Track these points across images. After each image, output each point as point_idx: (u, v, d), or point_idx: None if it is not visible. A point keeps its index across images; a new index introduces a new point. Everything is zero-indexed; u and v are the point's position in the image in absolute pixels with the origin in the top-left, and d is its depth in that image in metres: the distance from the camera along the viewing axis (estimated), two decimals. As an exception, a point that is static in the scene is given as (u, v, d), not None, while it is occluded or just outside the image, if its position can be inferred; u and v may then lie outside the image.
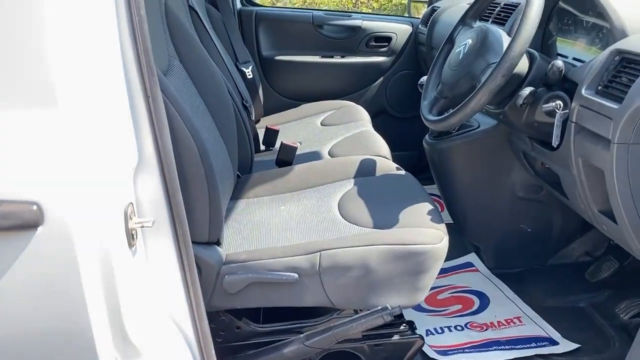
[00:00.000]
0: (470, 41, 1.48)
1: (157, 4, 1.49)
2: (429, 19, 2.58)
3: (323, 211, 1.46)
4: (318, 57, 2.71)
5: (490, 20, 1.82)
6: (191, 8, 1.96)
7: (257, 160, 1.93)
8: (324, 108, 2.42)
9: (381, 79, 2.73)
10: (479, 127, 1.84)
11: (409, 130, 2.63)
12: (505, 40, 1.40)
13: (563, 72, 1.36)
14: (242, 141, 1.75)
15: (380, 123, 2.44)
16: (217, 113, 1.56)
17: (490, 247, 1.99)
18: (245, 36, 2.64)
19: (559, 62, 1.35)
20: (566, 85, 1.38)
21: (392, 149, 1.98)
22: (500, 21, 1.79)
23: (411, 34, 2.69)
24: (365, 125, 2.18)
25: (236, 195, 1.62)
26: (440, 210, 1.50)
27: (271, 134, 2.12)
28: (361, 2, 6.09)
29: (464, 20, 1.65)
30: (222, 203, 1.31)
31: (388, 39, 2.69)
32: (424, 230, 1.31)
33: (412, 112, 2.74)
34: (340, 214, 1.44)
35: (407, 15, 2.98)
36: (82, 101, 0.81)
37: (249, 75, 2.32)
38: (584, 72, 1.31)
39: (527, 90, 1.34)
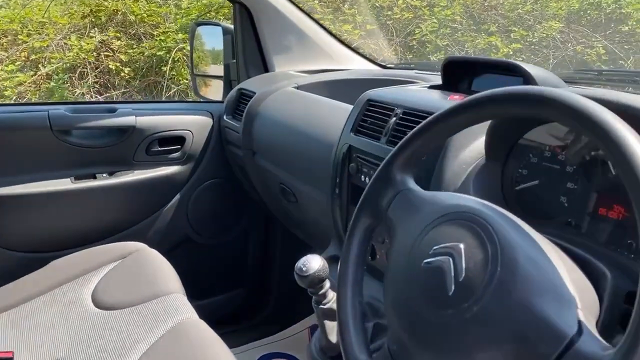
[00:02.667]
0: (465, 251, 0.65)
1: None
2: (237, 106, 1.77)
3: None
4: (69, 180, 1.68)
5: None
6: None
7: None
8: (87, 266, 1.41)
9: (177, 197, 1.82)
10: None
11: (223, 259, 1.88)
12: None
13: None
14: None
15: (183, 258, 1.68)
16: None
17: None
18: None
19: None
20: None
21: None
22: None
23: (212, 127, 1.84)
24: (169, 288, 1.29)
25: None
26: None
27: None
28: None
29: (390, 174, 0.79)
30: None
31: (179, 140, 1.79)
32: None
33: (226, 236, 1.89)
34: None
35: (202, 99, 2.11)
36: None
37: None
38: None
39: None
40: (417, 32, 5.59)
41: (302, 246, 1.77)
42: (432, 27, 5.55)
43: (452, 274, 0.61)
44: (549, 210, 0.85)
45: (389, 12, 5.83)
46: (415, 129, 0.76)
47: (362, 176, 1.13)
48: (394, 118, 1.08)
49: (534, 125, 0.85)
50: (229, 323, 1.94)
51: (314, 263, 0.92)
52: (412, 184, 0.76)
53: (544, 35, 5.53)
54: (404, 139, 0.77)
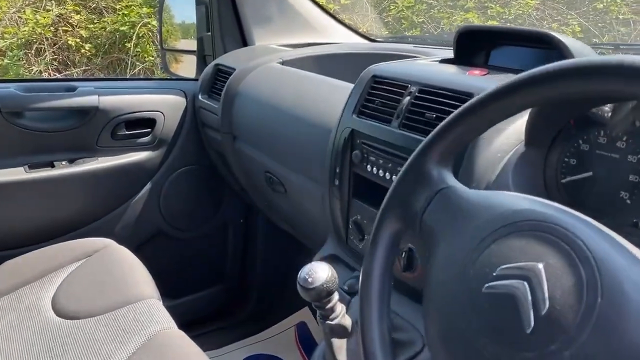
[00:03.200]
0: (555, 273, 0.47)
1: None
2: (214, 84, 1.58)
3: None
4: (22, 169, 1.47)
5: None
6: None
7: None
8: (46, 266, 1.24)
9: (148, 186, 1.63)
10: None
11: (201, 254, 1.72)
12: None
13: None
14: None
15: (156, 254, 1.59)
16: None
17: None
18: None
19: None
20: None
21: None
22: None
23: (186, 108, 1.65)
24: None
25: None
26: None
27: None
28: None
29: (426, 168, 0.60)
30: None
31: (149, 122, 1.60)
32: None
33: (203, 228, 1.72)
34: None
35: (173, 77, 1.90)
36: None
37: None
38: None
39: None
40: (392, 8, 5.44)
41: (288, 238, 1.61)
42: (408, 3, 5.41)
43: (531, 304, 0.46)
44: (605, 208, 0.71)
45: (364, -13, 5.65)
46: (457, 111, 0.60)
47: (369, 165, 0.97)
48: (408, 97, 0.92)
49: (593, 105, 0.70)
50: (208, 323, 1.78)
51: (321, 272, 0.76)
52: (453, 181, 0.61)
53: (520, 12, 5.45)
54: (443, 123, 0.61)
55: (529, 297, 0.46)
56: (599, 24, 5.22)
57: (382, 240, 0.63)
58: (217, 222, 1.78)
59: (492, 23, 5.25)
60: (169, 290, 1.68)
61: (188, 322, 1.73)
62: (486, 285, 0.49)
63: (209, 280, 1.81)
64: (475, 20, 5.30)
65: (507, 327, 0.47)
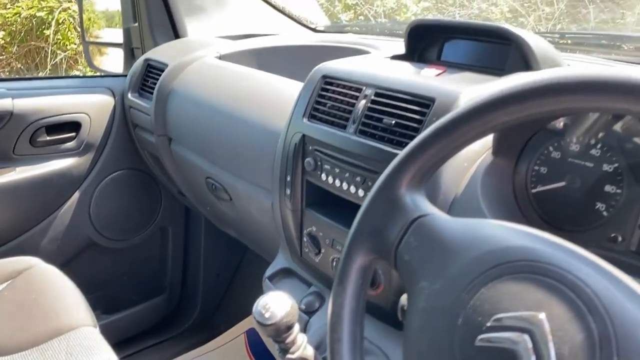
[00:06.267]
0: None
1: None
2: (145, 81, 1.44)
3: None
4: None
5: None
6: None
7: None
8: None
9: (76, 195, 1.48)
10: None
11: (139, 263, 1.62)
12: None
13: None
14: None
15: (89, 268, 1.50)
16: None
17: None
18: None
19: None
20: None
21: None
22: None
23: (114, 108, 1.50)
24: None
25: None
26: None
27: None
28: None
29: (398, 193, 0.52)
30: None
31: (73, 126, 1.45)
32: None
33: (139, 235, 1.61)
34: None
35: (99, 72, 1.74)
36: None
37: None
38: None
39: None
40: (326, -10, 5.36)
41: (232, 241, 1.52)
42: (341, -16, 5.35)
43: (534, 362, 0.40)
44: (580, 220, 0.67)
45: (297, -32, 5.52)
46: (431, 128, 0.54)
47: (323, 174, 0.90)
48: (364, 101, 0.84)
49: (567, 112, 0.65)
50: (152, 336, 1.66)
51: (279, 306, 0.68)
52: (429, 207, 0.54)
53: (451, -9, 5.52)
54: (415, 143, 0.54)
55: (532, 354, 0.40)
56: (525, 4, 5.35)
57: (352, 275, 0.56)
58: (155, 227, 1.66)
59: (424, 4, 5.28)
60: (106, 306, 1.55)
61: (130, 338, 1.61)
62: (479, 337, 0.43)
63: (150, 291, 1.69)
64: (407, 1, 5.31)
65: None
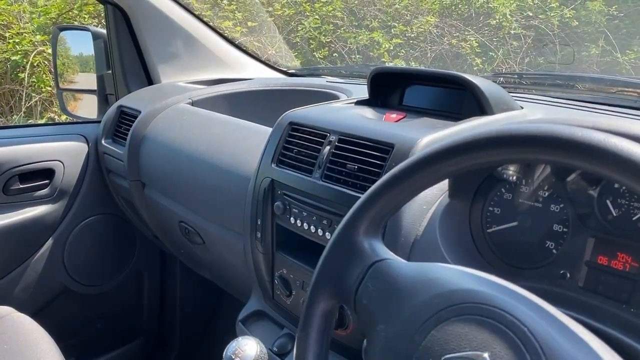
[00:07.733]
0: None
1: None
2: (118, 128, 1.47)
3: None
4: None
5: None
6: None
7: None
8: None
9: (49, 242, 1.48)
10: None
11: (114, 308, 1.62)
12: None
13: None
14: None
15: (63, 315, 1.50)
16: None
17: None
18: None
19: None
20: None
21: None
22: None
23: (88, 154, 1.52)
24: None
25: None
26: None
27: None
28: None
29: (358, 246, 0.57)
30: None
31: (47, 173, 1.46)
32: None
33: (114, 280, 1.60)
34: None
35: (73, 118, 1.76)
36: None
37: None
38: None
39: None
40: (300, 29, 5.48)
41: (207, 284, 1.53)
42: (314, 23, 5.47)
43: (480, 400, 0.43)
44: (533, 258, 0.71)
45: (270, 9, 5.65)
46: (385, 177, 0.57)
47: (292, 217, 0.93)
48: (328, 147, 0.88)
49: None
50: (127, 382, 1.64)
51: (248, 351, 0.70)
52: (386, 252, 0.57)
53: (422, 30, 5.68)
54: (370, 191, 0.58)
55: None
56: (494, 39, 5.54)
57: (315, 321, 0.59)
58: (131, 272, 1.66)
59: (396, 41, 5.42)
60: (81, 353, 1.53)
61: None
62: None
63: (126, 336, 1.68)
64: (380, 38, 5.44)
65: None
